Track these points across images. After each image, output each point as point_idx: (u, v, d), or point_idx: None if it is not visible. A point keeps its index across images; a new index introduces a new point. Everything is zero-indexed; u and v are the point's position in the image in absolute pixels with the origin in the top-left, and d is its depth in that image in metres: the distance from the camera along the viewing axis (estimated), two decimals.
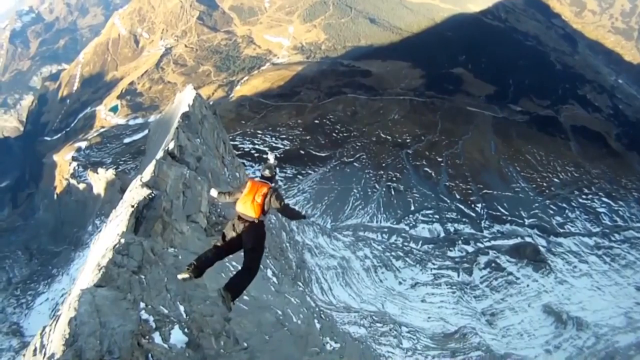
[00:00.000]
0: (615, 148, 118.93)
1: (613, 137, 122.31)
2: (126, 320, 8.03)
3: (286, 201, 8.86)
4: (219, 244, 8.91)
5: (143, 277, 10.71)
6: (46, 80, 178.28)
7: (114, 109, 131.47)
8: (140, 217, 13.56)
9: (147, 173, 15.40)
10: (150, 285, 10.64)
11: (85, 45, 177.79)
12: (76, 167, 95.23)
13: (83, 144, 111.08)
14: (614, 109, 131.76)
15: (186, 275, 8.47)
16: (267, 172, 8.93)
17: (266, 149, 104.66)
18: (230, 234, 8.63)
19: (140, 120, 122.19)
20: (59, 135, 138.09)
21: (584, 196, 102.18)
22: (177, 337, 9.51)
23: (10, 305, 71.44)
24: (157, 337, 8.89)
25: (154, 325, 9.17)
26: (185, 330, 9.93)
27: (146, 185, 14.55)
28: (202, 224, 16.30)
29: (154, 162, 16.12)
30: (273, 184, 8.82)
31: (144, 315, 9.21)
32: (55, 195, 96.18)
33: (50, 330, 8.03)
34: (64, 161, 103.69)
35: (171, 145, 19.06)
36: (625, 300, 71.07)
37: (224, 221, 17.23)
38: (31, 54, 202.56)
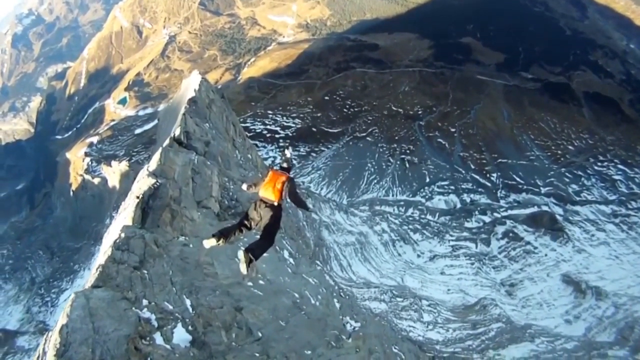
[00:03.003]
0: (629, 114, 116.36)
1: (626, 103, 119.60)
2: (123, 322, 7.88)
3: (297, 189, 10.06)
4: (242, 221, 9.94)
5: (146, 272, 10.31)
6: (52, 80, 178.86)
7: (122, 101, 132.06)
8: (147, 208, 13.18)
9: (154, 162, 15.03)
10: (153, 281, 10.23)
11: (89, 42, 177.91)
12: (90, 163, 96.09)
13: (95, 139, 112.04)
14: (626, 75, 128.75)
15: (214, 242, 9.33)
16: (285, 165, 10.31)
17: (278, 128, 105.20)
18: (253, 214, 9.72)
19: (149, 110, 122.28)
20: (70, 132, 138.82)
21: (599, 163, 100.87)
22: (181, 336, 9.19)
23: (35, 304, 72.39)
24: (158, 338, 8.62)
25: (156, 324, 8.88)
26: (189, 327, 9.56)
27: (153, 174, 14.16)
28: (214, 208, 15.79)
29: (159, 150, 15.73)
30: (291, 174, 10.08)
31: (146, 314, 8.93)
32: (71, 192, 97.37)
33: (49, 337, 7.63)
34: (77, 158, 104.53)
35: (177, 132, 18.65)
36: None
37: (236, 204, 16.81)
38: (35, 56, 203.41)
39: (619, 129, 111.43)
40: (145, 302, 9.33)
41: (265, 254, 10.08)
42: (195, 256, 12.26)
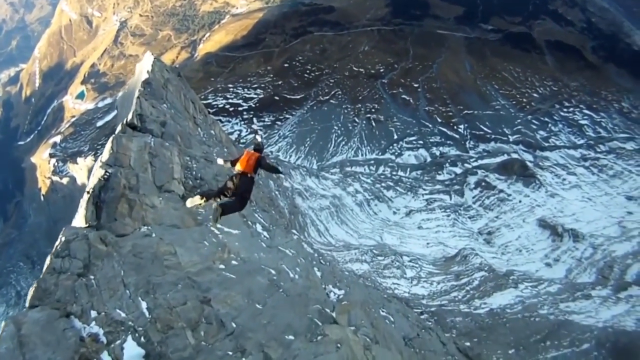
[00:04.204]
0: (592, 61, 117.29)
1: (589, 50, 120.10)
2: (60, 347, 7.13)
3: (268, 160, 11.98)
4: (221, 189, 11.70)
5: (92, 277, 9.22)
6: (6, 85, 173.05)
7: (80, 96, 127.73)
8: (100, 202, 11.98)
9: (106, 151, 13.71)
10: (100, 287, 9.06)
11: (38, 40, 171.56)
12: (55, 163, 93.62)
13: (57, 139, 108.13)
14: (587, 23, 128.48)
15: (197, 200, 11.15)
16: (257, 147, 11.99)
17: (240, 101, 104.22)
18: (230, 184, 11.41)
19: (109, 100, 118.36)
20: (32, 136, 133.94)
21: (565, 109, 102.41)
22: (132, 351, 8.14)
23: None
24: (105, 358, 7.74)
25: (105, 340, 8.00)
26: (142, 339, 8.39)
27: (107, 164, 12.87)
28: (178, 191, 14.30)
29: (110, 138, 14.24)
30: (262, 154, 11.92)
31: (94, 328, 8.06)
32: (42, 197, 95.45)
33: None
34: (42, 161, 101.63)
35: (129, 117, 17.20)
36: (616, 209, 71.59)
37: (201, 183, 15.68)
38: None
39: (582, 75, 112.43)
40: (93, 313, 8.36)
41: (235, 231, 11.94)
42: (152, 249, 10.82)
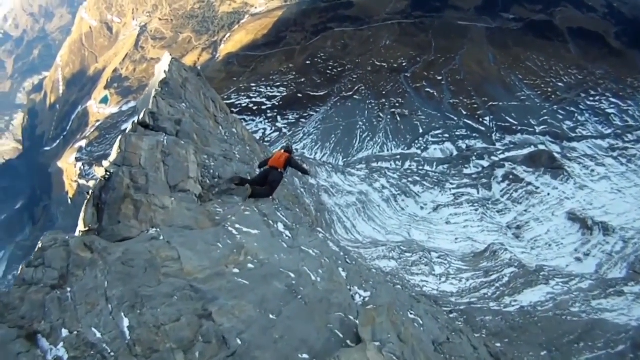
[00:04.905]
0: (616, 47, 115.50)
1: (612, 36, 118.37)
2: None
3: (297, 161, 14.76)
4: (255, 179, 14.84)
5: (69, 289, 7.95)
6: (31, 93, 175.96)
7: (104, 100, 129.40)
8: (101, 204, 11.03)
9: (114, 151, 13.01)
10: (76, 300, 7.77)
11: (60, 49, 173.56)
12: (82, 167, 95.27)
13: (83, 143, 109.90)
14: (608, 8, 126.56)
15: (233, 186, 14.17)
16: (287, 149, 15.05)
17: (263, 100, 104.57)
18: (262, 174, 14.39)
19: (132, 104, 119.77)
20: (58, 142, 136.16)
21: (591, 98, 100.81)
22: None
23: None
24: None
25: None
26: None
27: (114, 164, 12.21)
28: (194, 190, 13.60)
29: (119, 137, 13.88)
30: (291, 154, 14.87)
31: (60, 351, 6.84)
32: (69, 200, 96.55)
33: None
34: (68, 165, 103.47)
35: (141, 115, 16.84)
36: None
37: (220, 182, 15.18)
38: (9, 74, 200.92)
39: (607, 63, 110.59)
40: (64, 332, 7.16)
41: (255, 231, 12.92)
42: (147, 255, 9.43)
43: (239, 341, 8.37)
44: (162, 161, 13.64)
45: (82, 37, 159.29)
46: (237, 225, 12.66)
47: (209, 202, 13.93)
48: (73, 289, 7.96)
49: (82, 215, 10.52)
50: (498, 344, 32.48)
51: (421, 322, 16.57)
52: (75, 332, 7.19)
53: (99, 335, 7.29)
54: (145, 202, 11.40)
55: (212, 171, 16.34)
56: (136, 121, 16.25)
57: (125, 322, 7.60)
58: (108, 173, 11.82)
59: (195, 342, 7.83)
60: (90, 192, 11.19)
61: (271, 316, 9.56)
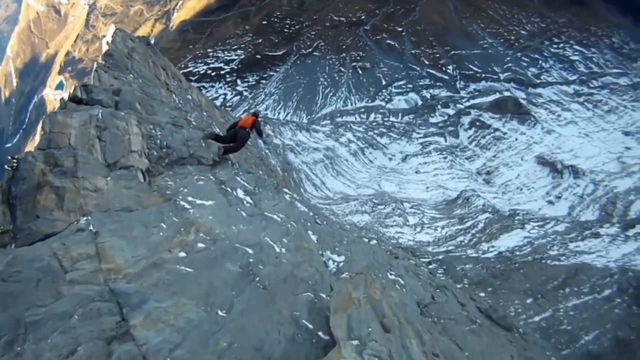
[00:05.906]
0: None
1: None
2: None
3: (259, 123, 16.64)
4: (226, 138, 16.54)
5: None
6: None
7: (59, 86, 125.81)
8: (11, 199, 8.43)
9: (37, 135, 10.68)
10: None
11: (8, 39, 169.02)
12: None
13: None
14: None
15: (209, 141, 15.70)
16: (254, 113, 16.69)
17: (222, 64, 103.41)
18: (232, 132, 16.27)
19: None
20: (18, 136, 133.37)
21: (554, 45, 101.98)
22: None
23: None
24: None
25: None
26: None
27: (38, 149, 9.78)
28: (139, 164, 11.25)
29: (42, 119, 11.50)
30: (257, 119, 16.52)
31: None
32: None
33: None
34: None
35: (72, 90, 14.58)
36: (614, 145, 70.58)
37: (169, 152, 13.08)
38: None
39: (570, 11, 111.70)
40: None
41: (209, 202, 11.59)
42: (44, 260, 5.31)
43: None
44: (97, 137, 11.21)
45: (30, 24, 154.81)
46: (190, 198, 10.76)
47: (159, 175, 11.85)
48: None
49: None
50: (482, 294, 31.60)
51: (402, 282, 15.04)
52: None
53: None
54: (72, 187, 8.69)
55: (159, 141, 14.17)
56: (65, 98, 13.93)
57: None
58: (14, 161, 9.13)
59: None
60: (1, 186, 8.73)
61: (219, 313, 6.98)
